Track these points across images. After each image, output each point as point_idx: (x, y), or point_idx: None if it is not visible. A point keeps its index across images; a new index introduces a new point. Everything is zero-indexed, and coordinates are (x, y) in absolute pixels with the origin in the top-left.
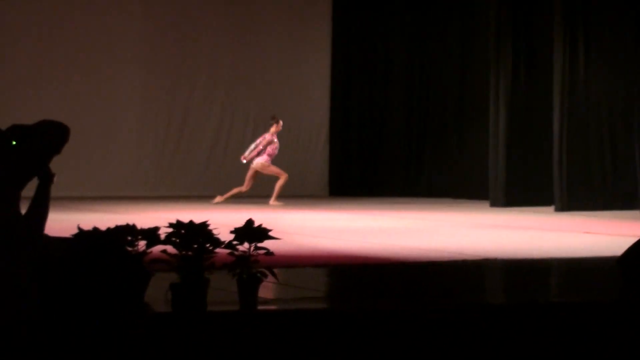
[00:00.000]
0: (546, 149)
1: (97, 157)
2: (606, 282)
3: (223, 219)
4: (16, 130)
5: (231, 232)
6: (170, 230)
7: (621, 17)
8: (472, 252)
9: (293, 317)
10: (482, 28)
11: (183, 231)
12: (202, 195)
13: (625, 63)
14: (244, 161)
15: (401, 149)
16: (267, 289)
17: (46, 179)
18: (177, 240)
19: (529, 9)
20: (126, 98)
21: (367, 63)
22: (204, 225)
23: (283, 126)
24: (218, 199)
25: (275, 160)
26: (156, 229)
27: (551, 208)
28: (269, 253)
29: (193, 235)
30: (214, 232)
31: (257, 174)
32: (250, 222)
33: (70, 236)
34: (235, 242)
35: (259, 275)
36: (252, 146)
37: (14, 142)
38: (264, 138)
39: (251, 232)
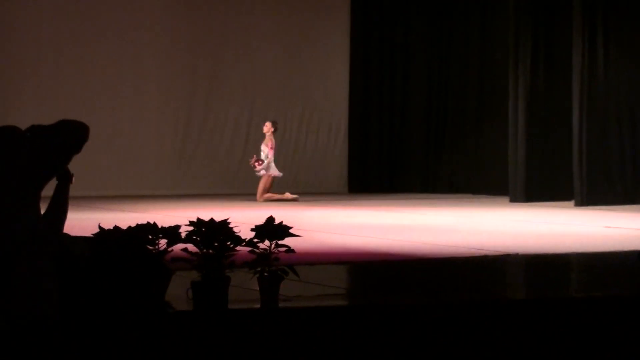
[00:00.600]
0: (566, 144)
1: (118, 156)
2: (627, 276)
3: (243, 217)
4: (35, 131)
5: (252, 229)
6: (191, 228)
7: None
8: (492, 247)
9: (314, 315)
10: (501, 22)
11: (204, 229)
12: (223, 194)
13: None
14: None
15: (420, 145)
16: (288, 287)
17: (65, 179)
18: (198, 239)
19: (549, 2)
20: (146, 97)
21: (386, 60)
22: (224, 223)
23: (302, 123)
24: (288, 195)
25: (295, 157)
26: (177, 227)
27: (571, 203)
28: (289, 250)
29: (214, 234)
30: (235, 230)
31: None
32: (270, 219)
33: (92, 235)
34: (256, 240)
35: (279, 272)
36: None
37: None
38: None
39: (272, 230)
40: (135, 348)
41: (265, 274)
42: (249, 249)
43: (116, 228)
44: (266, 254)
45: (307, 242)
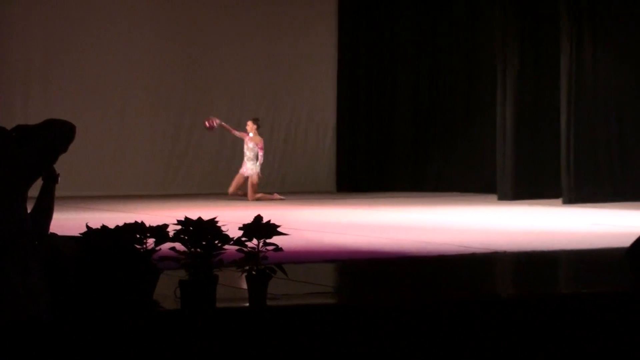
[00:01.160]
0: (553, 142)
1: (107, 156)
2: (615, 273)
3: (231, 216)
4: (21, 131)
5: (240, 228)
6: (178, 227)
7: (628, 9)
8: (480, 245)
9: (302, 313)
10: (489, 20)
11: (191, 228)
12: (212, 193)
13: (632, 55)
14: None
15: (409, 144)
16: (276, 285)
17: (51, 179)
18: (186, 238)
19: (536, 1)
20: (136, 97)
21: (374, 59)
22: (212, 222)
23: (291, 122)
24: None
25: (284, 155)
26: (165, 226)
27: (559, 201)
28: (277, 249)
29: (202, 233)
30: (223, 228)
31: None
32: (258, 218)
33: (79, 235)
34: (244, 239)
35: (268, 271)
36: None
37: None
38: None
39: (260, 228)
40: (123, 347)
41: (253, 272)
42: (237, 247)
43: (104, 227)
44: (254, 252)
45: (296, 240)
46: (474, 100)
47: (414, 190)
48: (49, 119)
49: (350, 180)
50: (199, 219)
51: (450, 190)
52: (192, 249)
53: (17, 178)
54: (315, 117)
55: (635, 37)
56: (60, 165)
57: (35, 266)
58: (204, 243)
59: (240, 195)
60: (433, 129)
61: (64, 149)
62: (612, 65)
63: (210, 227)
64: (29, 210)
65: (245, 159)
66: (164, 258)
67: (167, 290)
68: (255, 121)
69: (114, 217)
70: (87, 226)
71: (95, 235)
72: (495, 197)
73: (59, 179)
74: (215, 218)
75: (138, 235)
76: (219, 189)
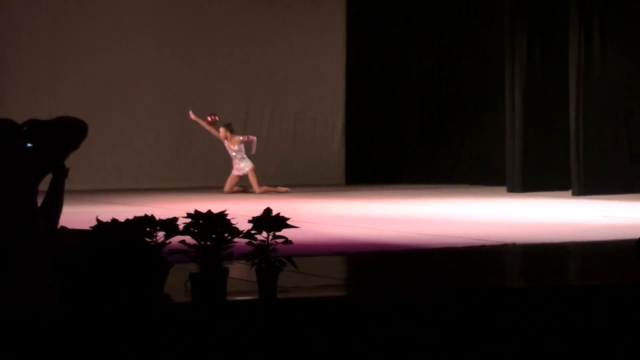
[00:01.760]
0: (563, 133)
1: (115, 150)
2: (624, 265)
3: (241, 209)
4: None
5: (249, 221)
6: (188, 220)
7: (637, 1)
8: (490, 237)
9: (312, 306)
10: (498, 13)
11: (201, 221)
12: (220, 186)
13: None
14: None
15: (418, 136)
16: (286, 278)
17: (60, 174)
18: (196, 231)
19: None
20: (143, 90)
21: (383, 50)
22: (222, 215)
23: (300, 115)
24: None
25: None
26: (175, 219)
27: (568, 193)
28: (287, 242)
29: (211, 226)
30: (232, 221)
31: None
32: (268, 211)
33: (89, 228)
34: (253, 232)
35: (277, 264)
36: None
37: (30, 145)
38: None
39: (269, 221)
40: (134, 340)
41: (263, 265)
42: (246, 240)
43: (114, 221)
44: (264, 245)
45: (305, 233)
46: (484, 92)
47: (423, 183)
48: (61, 116)
49: (359, 173)
50: (209, 212)
51: (459, 183)
52: (202, 242)
53: (26, 173)
54: (324, 109)
55: None
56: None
57: (45, 260)
58: (213, 236)
59: (237, 192)
60: (442, 121)
61: (74, 146)
62: (621, 57)
63: (220, 220)
64: (39, 205)
65: (236, 160)
66: (174, 251)
67: (177, 283)
68: (227, 127)
69: (123, 210)
70: (98, 220)
71: (106, 229)
72: (504, 189)
73: (68, 173)
74: (224, 211)
75: (148, 229)
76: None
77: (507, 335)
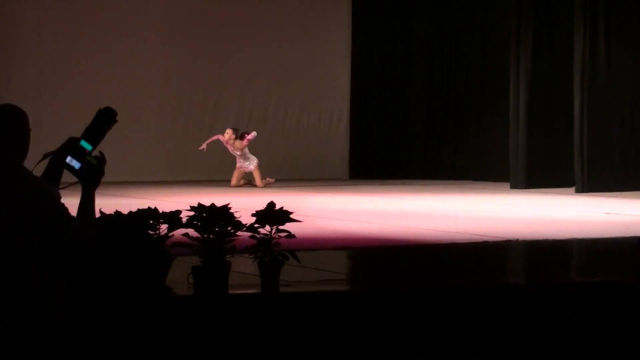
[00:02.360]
0: (567, 130)
1: (119, 142)
2: (627, 262)
3: (244, 203)
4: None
5: (252, 215)
6: (191, 213)
7: None
8: (493, 233)
9: (315, 300)
10: (503, 10)
11: (204, 215)
12: (225, 180)
13: None
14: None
15: (422, 132)
16: (288, 272)
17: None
18: (199, 224)
19: None
20: (147, 83)
21: (388, 46)
22: (225, 208)
23: (304, 109)
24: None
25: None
26: (178, 212)
27: (572, 189)
28: (290, 236)
29: (214, 219)
30: (236, 215)
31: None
32: (271, 205)
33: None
34: (256, 225)
35: (280, 258)
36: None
37: (95, 162)
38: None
39: (272, 215)
40: (136, 333)
41: (266, 259)
42: (249, 234)
43: (117, 213)
44: (267, 239)
45: (308, 227)
46: (488, 88)
47: (427, 178)
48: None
49: (363, 168)
50: (212, 205)
51: (463, 179)
52: (205, 235)
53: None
54: (328, 103)
55: None
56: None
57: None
58: (216, 229)
59: (242, 185)
60: (447, 117)
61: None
62: (626, 54)
63: (223, 214)
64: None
65: (241, 160)
66: (177, 244)
67: (180, 276)
68: (235, 132)
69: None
70: (101, 212)
71: (109, 221)
72: (508, 185)
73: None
74: (228, 204)
75: (151, 221)
76: (228, 175)
77: (509, 331)
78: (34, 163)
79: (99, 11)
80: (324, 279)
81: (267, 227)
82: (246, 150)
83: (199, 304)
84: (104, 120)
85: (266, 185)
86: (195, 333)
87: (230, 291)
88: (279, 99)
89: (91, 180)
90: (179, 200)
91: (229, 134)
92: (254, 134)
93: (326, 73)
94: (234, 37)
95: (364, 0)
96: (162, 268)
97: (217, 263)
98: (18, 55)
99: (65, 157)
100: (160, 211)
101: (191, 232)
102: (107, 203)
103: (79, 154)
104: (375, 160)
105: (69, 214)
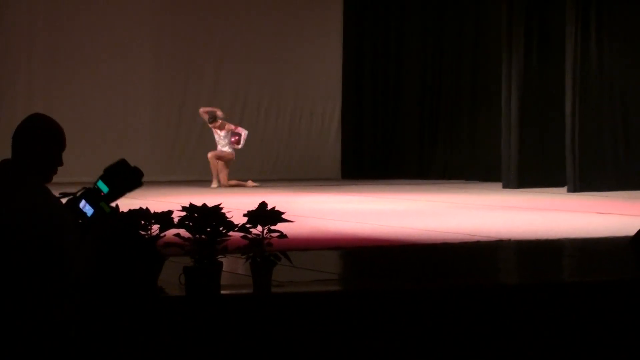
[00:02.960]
0: (559, 130)
1: (111, 143)
2: (619, 262)
3: (236, 203)
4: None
5: (244, 215)
6: (183, 214)
7: None
8: (485, 233)
9: (307, 300)
10: (495, 9)
11: (196, 215)
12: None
13: (637, 44)
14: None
15: (414, 131)
16: (280, 272)
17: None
18: (191, 224)
19: None
20: (139, 83)
21: (380, 45)
22: (217, 208)
23: (296, 109)
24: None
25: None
26: (169, 212)
27: (564, 189)
28: (282, 236)
29: (206, 219)
30: (227, 215)
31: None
32: (263, 205)
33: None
34: (248, 225)
35: (272, 258)
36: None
37: (108, 210)
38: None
39: (264, 215)
40: (127, 333)
41: (258, 259)
42: (241, 234)
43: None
44: (259, 239)
45: (301, 228)
46: (480, 88)
47: (419, 178)
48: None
49: (355, 168)
50: (204, 205)
51: (455, 178)
52: (197, 236)
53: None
54: (320, 103)
55: None
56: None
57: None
58: (208, 230)
59: (235, 185)
60: (439, 117)
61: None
62: (618, 54)
63: (215, 214)
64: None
65: (219, 146)
66: (169, 244)
67: (171, 276)
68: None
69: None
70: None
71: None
72: (500, 185)
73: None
74: (220, 205)
75: (143, 222)
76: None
77: (501, 331)
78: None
79: (92, 15)
80: (316, 279)
81: (259, 228)
82: (228, 137)
83: (190, 305)
84: (131, 179)
85: (233, 186)
86: (187, 334)
87: (222, 292)
88: (271, 100)
89: (100, 229)
90: (170, 201)
91: (203, 115)
92: (243, 133)
93: (318, 73)
94: (226, 38)
95: (356, 2)
96: (154, 268)
97: (209, 263)
98: (10, 61)
99: (80, 201)
100: (152, 211)
101: (183, 232)
102: None
103: (94, 198)
104: (367, 160)
105: (74, 243)
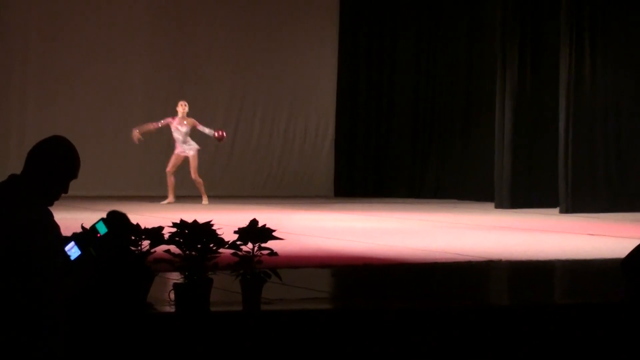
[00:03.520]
0: (552, 150)
1: (103, 157)
2: (610, 283)
3: (227, 219)
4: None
5: (235, 232)
6: (174, 230)
7: (627, 17)
8: (476, 253)
9: (296, 318)
10: (489, 29)
11: (187, 231)
12: (210, 196)
13: (631, 65)
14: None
15: (407, 150)
16: (270, 290)
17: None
18: (181, 240)
19: (536, 8)
20: (133, 98)
21: (374, 65)
22: (207, 225)
23: (289, 126)
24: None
25: (282, 159)
26: (160, 228)
27: (556, 210)
28: (272, 253)
29: (197, 236)
30: (218, 232)
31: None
32: (254, 222)
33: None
34: (239, 242)
35: (262, 275)
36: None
37: (94, 254)
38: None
39: (255, 232)
40: (116, 349)
41: (248, 276)
42: (231, 251)
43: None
44: (249, 256)
45: (292, 245)
46: (473, 107)
47: (411, 197)
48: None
49: (348, 186)
50: (195, 222)
51: (448, 198)
52: (187, 252)
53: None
54: (314, 121)
55: (634, 45)
56: None
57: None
58: (199, 246)
59: (198, 186)
60: (432, 136)
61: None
62: (611, 74)
63: (205, 230)
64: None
65: (179, 143)
66: (159, 260)
67: (161, 293)
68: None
69: None
70: (82, 227)
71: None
72: (492, 204)
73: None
74: (210, 221)
75: (133, 237)
76: (216, 191)
77: (491, 352)
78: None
79: (87, 24)
80: (305, 297)
81: (250, 245)
82: (189, 134)
83: (180, 321)
84: (128, 234)
85: (197, 184)
86: (177, 350)
87: (212, 308)
88: (265, 116)
89: (82, 273)
90: (162, 216)
91: (183, 106)
92: (223, 136)
93: (312, 91)
94: (220, 53)
95: (350, 17)
96: (144, 284)
97: (199, 280)
98: (3, 69)
99: (68, 243)
100: (143, 227)
101: (173, 248)
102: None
103: (86, 240)
104: (360, 178)
105: (51, 270)
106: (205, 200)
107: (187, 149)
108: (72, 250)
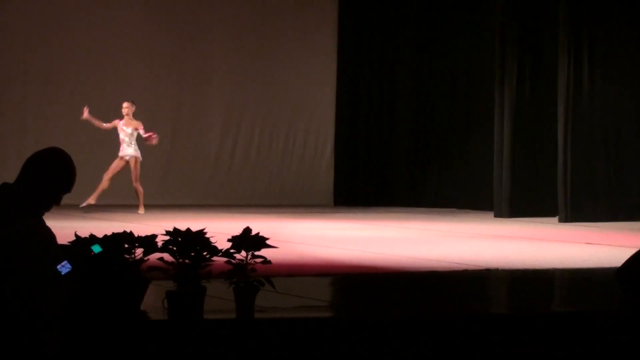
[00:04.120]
0: (551, 160)
1: (98, 165)
2: (607, 292)
3: (220, 228)
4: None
5: (228, 240)
6: (167, 238)
7: (626, 28)
8: (474, 262)
9: (290, 326)
10: (488, 39)
11: (180, 239)
12: (206, 205)
13: (629, 74)
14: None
15: (406, 159)
16: (264, 298)
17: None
18: (175, 248)
19: (534, 20)
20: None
21: (374, 73)
22: (201, 233)
23: (289, 135)
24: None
25: (281, 167)
26: (153, 236)
27: (555, 219)
28: (266, 261)
29: (190, 244)
30: (212, 240)
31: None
32: (247, 230)
33: (67, 243)
34: (232, 251)
35: (256, 283)
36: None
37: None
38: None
39: (248, 241)
40: (110, 356)
41: (241, 284)
42: (225, 259)
43: (92, 236)
44: (242, 264)
45: (287, 253)
46: (472, 116)
47: (411, 206)
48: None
49: (347, 194)
50: (188, 230)
51: (447, 206)
52: (181, 260)
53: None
54: (313, 129)
55: (632, 55)
56: None
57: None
58: (192, 254)
59: (138, 194)
60: (432, 145)
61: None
62: (610, 84)
63: (198, 238)
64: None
65: (124, 144)
66: (152, 268)
67: (154, 300)
68: (133, 103)
69: (103, 226)
70: (76, 235)
71: (84, 244)
72: (491, 214)
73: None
74: (204, 229)
75: (127, 245)
76: (213, 199)
77: None
78: None
79: (86, 33)
80: (299, 306)
81: (243, 253)
82: (135, 137)
83: (173, 329)
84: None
85: (136, 192)
86: (170, 358)
87: (205, 316)
88: (264, 125)
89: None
90: (155, 225)
91: (129, 107)
92: (155, 138)
93: (311, 99)
94: (220, 62)
95: (349, 25)
96: (137, 292)
97: (192, 288)
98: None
99: (62, 261)
100: (136, 235)
101: (167, 256)
102: (83, 226)
103: (78, 258)
104: (360, 187)
105: (49, 261)
106: (141, 210)
107: (129, 153)
108: (64, 267)
